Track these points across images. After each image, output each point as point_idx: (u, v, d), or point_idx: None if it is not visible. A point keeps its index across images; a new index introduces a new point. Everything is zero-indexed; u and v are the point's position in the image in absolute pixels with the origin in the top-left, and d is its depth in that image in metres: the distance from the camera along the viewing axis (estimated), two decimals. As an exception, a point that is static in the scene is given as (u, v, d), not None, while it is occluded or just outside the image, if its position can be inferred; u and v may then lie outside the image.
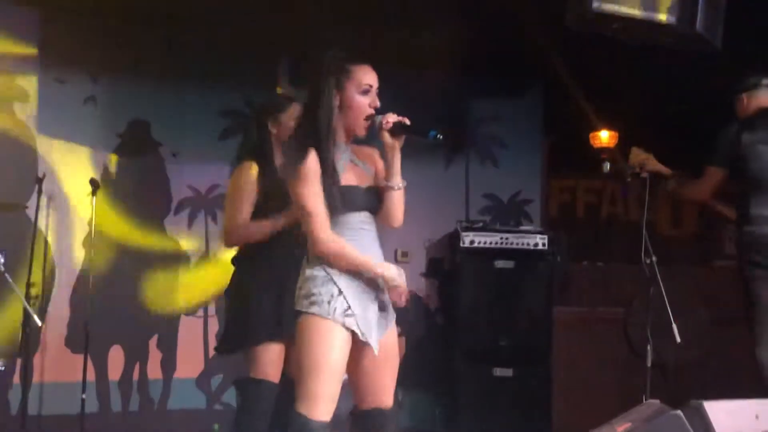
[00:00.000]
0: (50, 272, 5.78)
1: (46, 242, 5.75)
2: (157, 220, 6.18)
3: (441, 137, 3.42)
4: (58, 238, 5.81)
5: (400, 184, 3.44)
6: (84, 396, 5.30)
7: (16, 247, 5.26)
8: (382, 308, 3.43)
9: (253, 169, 4.15)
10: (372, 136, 3.45)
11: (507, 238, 5.94)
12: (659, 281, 5.09)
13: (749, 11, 5.46)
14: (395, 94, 6.75)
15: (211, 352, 6.19)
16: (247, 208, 4.13)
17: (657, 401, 4.16)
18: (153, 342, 6.08)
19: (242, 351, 4.05)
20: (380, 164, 3.51)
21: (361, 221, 3.41)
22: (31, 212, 5.33)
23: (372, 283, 3.39)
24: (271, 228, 4.11)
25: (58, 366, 5.72)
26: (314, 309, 3.31)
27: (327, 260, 3.31)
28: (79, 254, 5.82)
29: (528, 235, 5.97)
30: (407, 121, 3.46)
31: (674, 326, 4.95)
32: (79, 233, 5.81)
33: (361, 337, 3.34)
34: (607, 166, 5.54)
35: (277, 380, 4.05)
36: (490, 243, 5.93)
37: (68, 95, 5.92)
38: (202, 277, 6.23)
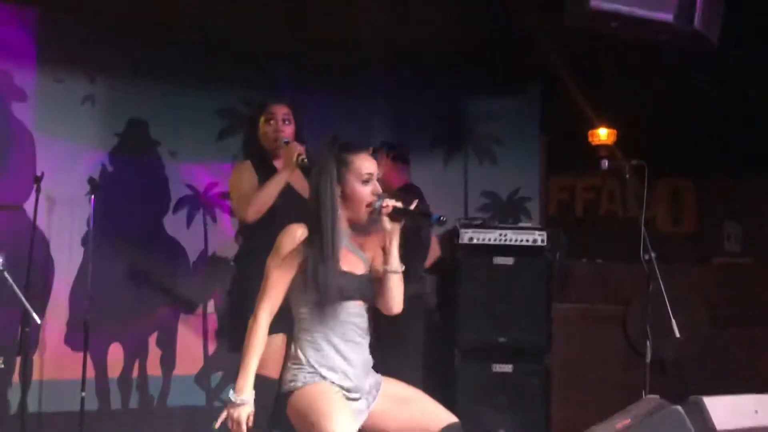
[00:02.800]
0: (49, 271, 5.79)
1: (45, 241, 5.75)
2: (155, 218, 6.18)
3: (445, 219, 3.40)
4: (57, 236, 5.81)
5: (399, 268, 3.38)
6: (83, 394, 5.30)
7: (15, 246, 5.26)
8: (367, 393, 3.44)
9: (248, 167, 4.34)
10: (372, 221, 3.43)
11: (506, 235, 5.94)
12: (658, 278, 5.09)
13: (747, 8, 5.46)
14: (394, 91, 6.82)
15: (211, 350, 6.20)
16: (251, 180, 4.36)
17: (656, 397, 4.17)
18: (152, 339, 6.08)
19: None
20: (373, 251, 3.49)
21: (351, 313, 3.39)
22: (30, 211, 5.33)
23: (361, 369, 3.42)
24: (275, 187, 4.28)
25: (58, 364, 5.72)
26: (294, 387, 3.35)
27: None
28: (78, 253, 5.82)
29: (527, 232, 5.98)
30: (407, 207, 3.40)
31: (673, 322, 4.95)
32: (78, 232, 5.81)
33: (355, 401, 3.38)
34: (605, 163, 5.54)
35: (276, 376, 4.06)
36: (489, 240, 5.93)
37: (66, 94, 5.92)
38: (201, 275, 6.23)
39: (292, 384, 3.37)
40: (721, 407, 3.76)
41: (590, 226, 7.97)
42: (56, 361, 5.73)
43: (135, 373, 6.01)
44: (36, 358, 5.67)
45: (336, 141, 3.45)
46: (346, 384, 3.37)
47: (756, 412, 3.86)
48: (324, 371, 3.35)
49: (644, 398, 4.44)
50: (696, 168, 7.85)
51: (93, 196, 5.42)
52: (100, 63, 5.98)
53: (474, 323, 5.87)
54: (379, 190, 3.41)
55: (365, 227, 3.47)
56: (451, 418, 3.50)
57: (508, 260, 5.92)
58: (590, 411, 4.59)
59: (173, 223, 6.21)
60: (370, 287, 3.43)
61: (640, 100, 6.88)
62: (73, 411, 5.31)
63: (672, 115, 7.12)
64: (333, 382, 3.35)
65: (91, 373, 5.68)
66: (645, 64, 6.33)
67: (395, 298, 3.42)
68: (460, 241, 5.89)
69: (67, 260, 5.83)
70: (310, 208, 3.40)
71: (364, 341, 3.45)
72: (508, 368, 5.85)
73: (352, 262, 3.43)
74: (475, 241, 5.91)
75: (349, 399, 3.38)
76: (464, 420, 5.77)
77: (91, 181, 5.48)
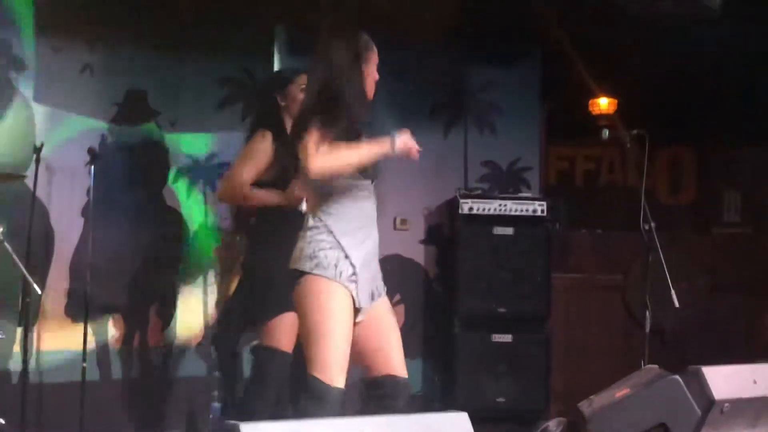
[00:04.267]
0: (50, 241, 5.78)
1: (45, 211, 5.74)
2: (155, 188, 6.17)
3: None
4: (57, 207, 5.80)
5: None
6: (85, 364, 5.31)
7: (15, 217, 5.26)
8: (375, 280, 3.49)
9: (267, 137, 4.19)
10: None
11: (505, 205, 5.95)
12: (658, 248, 5.10)
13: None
14: (392, 62, 6.78)
15: (211, 320, 6.21)
16: (251, 170, 4.17)
17: (655, 366, 4.19)
18: (153, 310, 6.09)
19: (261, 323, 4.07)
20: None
21: (367, 190, 3.52)
22: (29, 181, 5.32)
23: (372, 250, 3.46)
24: (263, 199, 4.14)
25: (59, 334, 5.73)
26: (320, 271, 3.34)
27: (326, 176, 3.37)
28: (78, 223, 5.81)
29: (526, 202, 5.98)
30: None
31: (673, 292, 4.96)
32: (78, 202, 5.80)
33: (357, 305, 3.37)
34: (606, 133, 5.53)
35: (290, 350, 4.06)
36: (489, 210, 5.93)
37: (64, 64, 5.88)
38: (202, 245, 6.23)
39: (311, 263, 3.37)
40: (719, 377, 3.77)
41: (590, 195, 7.96)
42: (57, 331, 5.74)
43: (136, 343, 6.03)
44: (37, 328, 5.68)
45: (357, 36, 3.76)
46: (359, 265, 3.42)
47: (755, 382, 3.88)
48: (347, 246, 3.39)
49: (643, 368, 4.45)
50: (696, 138, 7.83)
51: (93, 166, 5.40)
52: (99, 32, 5.94)
53: (474, 293, 5.89)
54: (377, 75, 3.78)
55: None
56: (400, 370, 3.49)
57: (508, 230, 5.93)
58: (589, 380, 4.61)
59: (173, 194, 6.20)
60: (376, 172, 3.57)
61: (641, 69, 6.85)
62: (75, 381, 5.33)
63: (672, 84, 7.09)
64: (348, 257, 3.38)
65: (92, 343, 5.69)
66: (646, 33, 6.30)
67: None
68: (460, 212, 5.89)
69: (67, 230, 5.82)
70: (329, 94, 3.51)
71: (375, 221, 3.58)
72: (507, 338, 5.88)
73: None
74: (475, 211, 5.91)
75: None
76: (464, 389, 5.84)
77: (90, 151, 5.46)
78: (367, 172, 3.49)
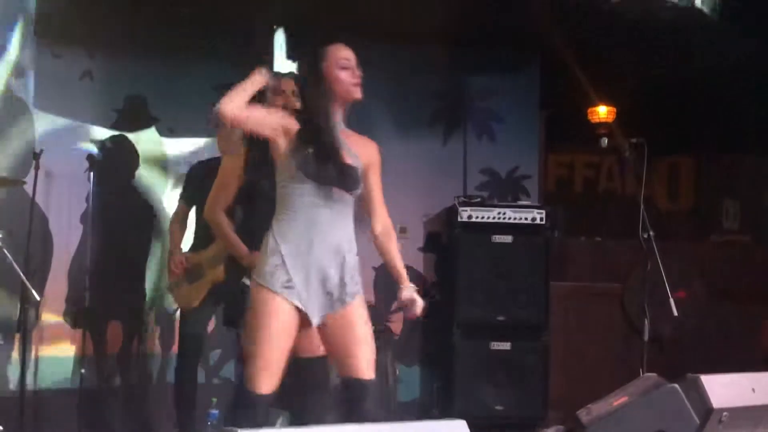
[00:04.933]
0: (48, 247, 5.78)
1: (44, 217, 5.74)
2: (154, 195, 6.18)
3: None
4: (56, 213, 5.80)
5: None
6: (83, 370, 5.31)
7: (14, 223, 5.26)
8: (328, 286, 3.47)
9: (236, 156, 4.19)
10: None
11: (504, 213, 5.94)
12: (656, 256, 5.10)
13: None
14: (392, 69, 6.79)
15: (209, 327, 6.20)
16: (220, 199, 4.20)
17: (654, 375, 4.18)
18: (151, 316, 6.09)
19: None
20: (366, 157, 3.61)
21: (321, 197, 3.45)
22: (28, 187, 5.32)
23: (327, 256, 3.45)
24: (228, 240, 4.17)
25: (57, 340, 5.73)
26: (260, 278, 3.42)
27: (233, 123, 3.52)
28: (77, 229, 5.81)
29: (525, 209, 5.98)
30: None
31: (671, 300, 4.96)
32: (77, 208, 5.80)
33: (301, 308, 3.41)
34: (604, 141, 5.53)
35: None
36: (488, 218, 5.93)
37: (64, 70, 5.89)
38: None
39: (256, 270, 3.47)
40: (718, 385, 3.77)
41: (589, 203, 7.98)
42: (55, 337, 5.74)
43: (134, 350, 6.03)
44: (35, 334, 5.68)
45: (311, 47, 3.70)
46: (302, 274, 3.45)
47: (753, 390, 3.88)
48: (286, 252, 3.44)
49: (642, 376, 4.45)
50: (695, 146, 7.84)
51: (92, 173, 5.41)
52: (99, 39, 5.95)
53: (472, 301, 5.88)
54: (358, 75, 3.62)
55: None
56: (366, 373, 3.51)
57: (507, 238, 5.92)
58: (588, 388, 4.60)
59: (172, 199, 6.20)
60: (353, 178, 3.52)
61: (640, 77, 6.87)
62: (73, 387, 5.33)
63: (671, 93, 7.11)
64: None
65: (90, 349, 5.69)
66: (645, 41, 6.31)
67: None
68: (458, 219, 5.89)
69: (65, 236, 5.83)
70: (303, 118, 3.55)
71: (336, 229, 3.51)
72: (506, 346, 5.87)
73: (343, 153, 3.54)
74: (473, 219, 5.91)
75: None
76: (462, 396, 5.83)
77: (89, 157, 5.47)
78: (317, 176, 3.45)
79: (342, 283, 3.49)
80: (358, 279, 3.55)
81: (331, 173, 3.44)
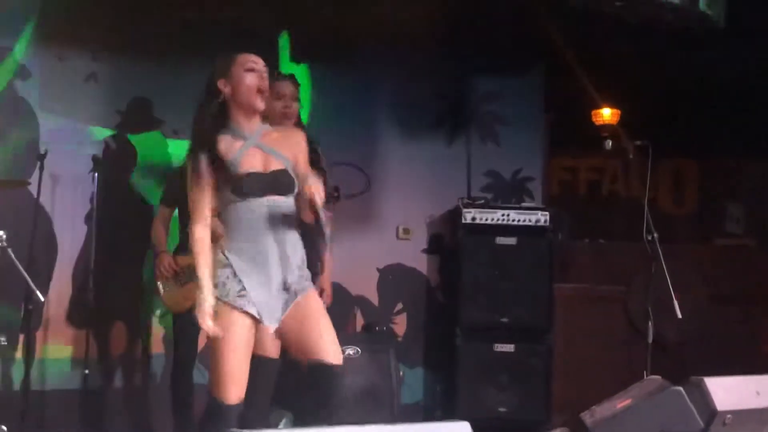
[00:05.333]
0: (52, 248, 5.79)
1: (48, 218, 5.75)
2: (158, 197, 6.18)
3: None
4: (60, 214, 5.81)
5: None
6: (87, 371, 5.31)
7: (18, 223, 5.27)
8: (285, 287, 3.54)
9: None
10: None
11: (508, 215, 5.95)
12: (660, 258, 5.10)
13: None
14: (396, 72, 6.79)
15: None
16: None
17: (658, 377, 4.18)
18: (155, 318, 6.09)
19: None
20: (289, 147, 3.66)
21: (264, 207, 3.54)
22: (33, 188, 5.33)
23: (275, 260, 3.52)
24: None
25: (61, 341, 5.74)
26: (217, 292, 3.51)
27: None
28: (81, 230, 5.82)
29: (529, 212, 5.98)
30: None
31: (675, 302, 4.96)
32: (81, 209, 5.81)
33: (255, 314, 3.49)
34: (608, 143, 5.53)
35: (276, 356, 4.08)
36: (492, 220, 5.94)
37: (69, 72, 5.90)
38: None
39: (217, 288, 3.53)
40: (722, 388, 3.76)
41: (593, 206, 7.97)
42: (59, 338, 5.75)
43: (138, 351, 6.03)
44: (39, 335, 5.68)
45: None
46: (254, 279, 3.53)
47: (757, 393, 3.87)
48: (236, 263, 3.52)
49: (645, 379, 4.45)
50: (699, 148, 7.83)
51: (96, 174, 5.42)
52: (103, 40, 5.96)
53: (476, 303, 5.89)
54: (266, 83, 3.65)
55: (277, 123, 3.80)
56: (330, 357, 3.54)
57: (511, 240, 5.93)
58: (591, 391, 4.60)
59: (176, 202, 6.20)
60: (286, 181, 3.58)
61: (644, 80, 6.86)
62: (76, 388, 5.33)
63: (675, 95, 7.10)
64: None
65: (94, 351, 5.70)
66: (649, 44, 6.31)
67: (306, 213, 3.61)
68: (462, 221, 5.89)
69: (70, 238, 5.83)
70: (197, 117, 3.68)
71: (282, 233, 3.57)
72: (509, 348, 5.87)
73: (264, 159, 3.60)
74: (477, 221, 5.92)
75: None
76: (466, 399, 5.83)
77: (94, 158, 5.48)
78: (251, 193, 3.54)
79: (291, 282, 3.56)
80: (308, 274, 3.66)
81: (263, 184, 3.54)
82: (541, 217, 5.97)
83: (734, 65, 6.70)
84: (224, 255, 3.54)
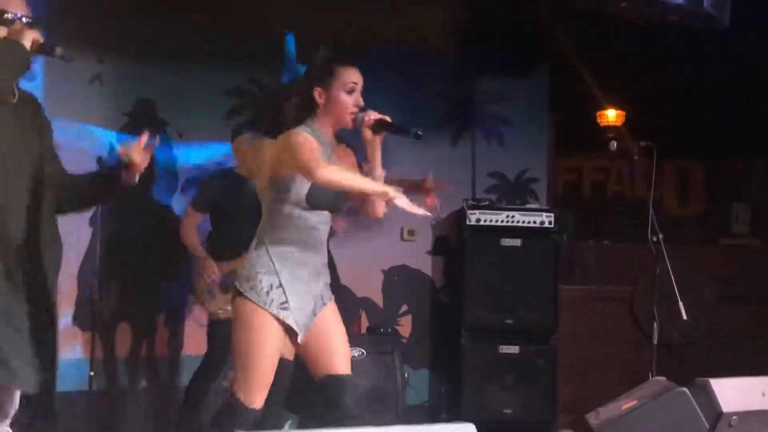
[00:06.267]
0: (58, 250, 5.79)
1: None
2: (163, 199, 6.19)
3: (421, 134, 3.58)
4: (65, 216, 5.81)
5: (381, 174, 3.58)
6: (92, 373, 5.32)
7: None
8: (315, 304, 3.58)
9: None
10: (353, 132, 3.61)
11: (513, 216, 5.94)
12: (666, 259, 5.09)
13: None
14: (401, 73, 6.79)
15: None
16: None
17: (663, 378, 4.17)
18: (160, 319, 6.10)
19: None
20: (347, 162, 3.66)
21: (317, 221, 3.56)
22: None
23: (313, 273, 3.55)
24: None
25: (66, 343, 5.74)
26: (252, 295, 3.48)
27: (330, 186, 3.40)
28: (86, 232, 5.83)
29: (534, 213, 5.98)
30: (388, 119, 3.58)
31: (680, 304, 4.95)
32: (86, 211, 5.81)
33: (295, 328, 3.50)
34: (613, 144, 5.53)
35: (291, 357, 4.08)
36: (496, 221, 5.93)
37: (74, 74, 5.91)
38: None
39: (246, 285, 3.50)
40: (727, 389, 3.75)
41: (598, 207, 7.97)
42: (65, 340, 5.75)
43: (143, 352, 6.04)
44: (45, 337, 5.68)
45: (324, 51, 3.68)
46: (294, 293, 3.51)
47: (763, 394, 3.86)
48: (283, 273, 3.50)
49: (651, 380, 4.44)
50: (704, 149, 7.83)
51: (101, 176, 5.42)
52: (109, 42, 5.97)
53: (481, 304, 5.88)
54: (361, 102, 3.59)
55: (345, 138, 3.69)
56: (342, 369, 3.58)
57: (516, 241, 5.92)
58: (596, 392, 4.60)
59: (181, 203, 6.21)
60: (340, 200, 3.61)
61: (649, 81, 6.86)
62: (82, 390, 5.34)
63: (680, 96, 7.10)
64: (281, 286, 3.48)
65: (99, 352, 5.70)
66: (654, 45, 6.31)
67: (378, 205, 3.63)
68: (467, 223, 5.89)
69: (75, 240, 5.84)
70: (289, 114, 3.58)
71: (322, 247, 3.61)
72: (514, 349, 5.87)
73: None
74: (482, 222, 5.91)
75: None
76: (471, 400, 5.83)
77: (99, 160, 5.49)
78: (319, 205, 3.53)
79: (320, 295, 3.61)
80: (329, 289, 3.68)
81: (329, 199, 3.54)
82: (546, 219, 5.96)
83: (739, 66, 6.69)
84: (271, 260, 3.50)
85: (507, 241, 5.92)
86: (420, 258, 6.60)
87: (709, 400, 3.70)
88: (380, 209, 3.63)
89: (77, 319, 5.79)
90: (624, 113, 7.07)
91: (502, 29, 6.40)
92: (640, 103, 6.65)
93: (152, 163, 6.10)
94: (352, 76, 3.62)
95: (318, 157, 3.41)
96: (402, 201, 3.32)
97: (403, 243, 6.60)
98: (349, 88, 3.59)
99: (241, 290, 3.50)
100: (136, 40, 6.03)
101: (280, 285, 3.48)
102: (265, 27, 6.19)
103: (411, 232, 6.62)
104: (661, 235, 5.12)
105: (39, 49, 3.17)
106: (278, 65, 6.35)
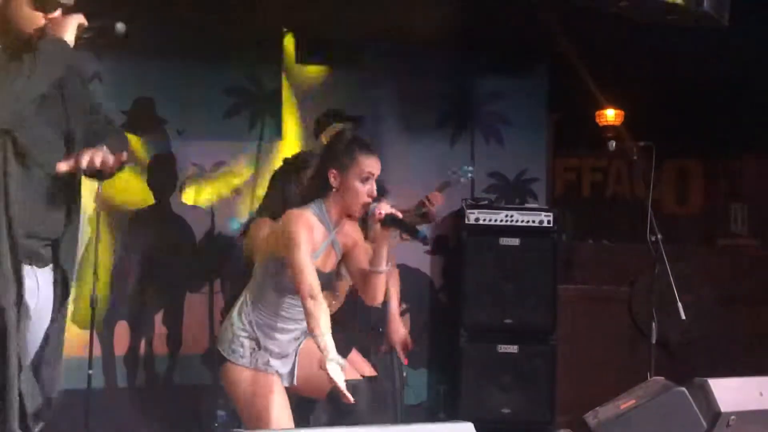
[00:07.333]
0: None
1: (51, 219, 5.75)
2: (162, 197, 6.18)
3: (426, 237, 3.67)
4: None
5: (385, 269, 3.59)
6: (90, 371, 5.32)
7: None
8: (294, 353, 3.63)
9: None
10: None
11: (512, 216, 5.94)
12: (664, 259, 5.09)
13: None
14: (400, 70, 6.79)
15: (217, 329, 6.21)
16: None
17: (661, 378, 4.17)
18: (158, 318, 6.09)
19: None
20: (350, 241, 3.66)
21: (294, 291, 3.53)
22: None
23: (293, 339, 3.59)
24: None
25: (65, 342, 5.73)
26: (236, 359, 3.53)
27: (307, 314, 3.38)
28: (84, 231, 5.82)
29: (533, 212, 5.98)
30: (399, 215, 3.56)
31: (679, 303, 4.96)
32: (85, 210, 5.81)
33: (281, 382, 3.56)
34: (612, 144, 5.53)
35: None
36: (495, 221, 5.94)
37: (73, 72, 5.90)
38: (207, 253, 6.23)
39: (229, 348, 3.55)
40: (726, 389, 3.75)
41: (597, 207, 7.96)
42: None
43: (141, 351, 6.03)
44: (43, 335, 5.68)
45: (346, 133, 3.68)
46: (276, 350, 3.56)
47: (761, 394, 3.86)
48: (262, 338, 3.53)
49: (649, 379, 4.44)
50: (703, 149, 7.83)
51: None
52: (107, 40, 5.95)
53: (480, 304, 5.88)
54: (375, 192, 3.56)
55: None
56: (348, 374, 3.58)
57: (515, 241, 5.92)
58: (595, 392, 4.59)
59: (179, 202, 6.21)
60: (330, 282, 3.68)
61: (648, 80, 6.86)
62: (80, 388, 5.33)
63: (679, 96, 7.09)
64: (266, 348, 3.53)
65: (97, 350, 5.70)
66: (653, 44, 6.31)
67: (379, 293, 3.64)
68: (466, 222, 5.89)
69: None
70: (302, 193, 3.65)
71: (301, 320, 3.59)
72: (513, 349, 5.87)
73: (328, 258, 3.61)
74: (481, 221, 5.92)
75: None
76: (469, 399, 5.83)
77: (97, 159, 5.47)
78: (325, 288, 3.55)
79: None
80: None
81: (321, 283, 3.50)
82: (545, 218, 5.97)
83: (738, 65, 6.69)
84: (252, 327, 3.54)
85: (506, 241, 5.93)
86: (419, 257, 6.60)
87: (707, 400, 3.70)
88: (380, 296, 3.64)
89: (76, 318, 5.78)
90: (623, 113, 7.06)
91: (501, 28, 6.39)
92: (639, 103, 6.64)
93: (151, 160, 6.14)
94: (371, 166, 3.56)
95: (306, 244, 3.39)
96: (333, 368, 3.30)
97: (401, 242, 6.60)
98: (365, 176, 3.53)
99: (224, 354, 3.55)
100: (135, 38, 5.99)
101: (258, 347, 3.53)
102: (264, 25, 6.19)
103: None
104: (659, 235, 5.12)
105: (93, 32, 2.99)
106: (277, 64, 6.36)
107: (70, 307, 5.70)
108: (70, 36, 2.87)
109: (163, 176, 6.18)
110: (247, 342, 3.52)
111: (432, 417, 6.13)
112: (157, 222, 6.13)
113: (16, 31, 2.80)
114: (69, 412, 5.41)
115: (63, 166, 2.78)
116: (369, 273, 3.59)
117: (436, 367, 6.43)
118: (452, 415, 5.70)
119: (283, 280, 3.49)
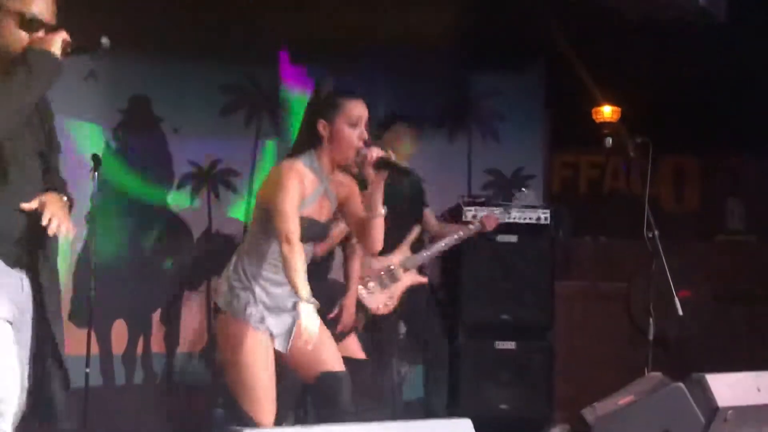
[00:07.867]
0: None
1: (48, 217, 5.74)
2: (159, 195, 6.18)
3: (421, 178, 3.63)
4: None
5: (381, 213, 3.55)
6: (88, 370, 5.32)
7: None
8: (291, 317, 3.52)
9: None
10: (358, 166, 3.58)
11: (509, 213, 5.94)
12: (661, 255, 5.09)
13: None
14: (397, 68, 6.79)
15: (214, 327, 6.20)
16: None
17: (659, 374, 4.18)
18: (156, 316, 6.09)
19: None
20: (345, 191, 3.63)
21: (304, 249, 3.49)
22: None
23: (290, 293, 3.47)
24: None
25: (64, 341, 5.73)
26: (232, 311, 3.47)
27: (283, 258, 3.37)
28: (81, 229, 5.82)
29: (530, 209, 5.98)
30: (392, 157, 3.57)
31: (676, 299, 4.96)
32: (81, 208, 5.81)
33: (274, 345, 3.48)
34: (609, 140, 5.52)
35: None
36: (493, 217, 5.92)
37: (69, 70, 5.87)
38: (205, 251, 6.24)
39: (223, 300, 3.51)
40: (723, 385, 3.76)
41: (594, 203, 7.97)
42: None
43: (139, 349, 6.03)
44: (40, 334, 5.68)
45: (328, 82, 3.62)
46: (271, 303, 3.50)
47: (758, 389, 3.87)
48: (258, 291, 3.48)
49: (647, 375, 4.45)
50: (700, 146, 7.83)
51: (96, 173, 5.42)
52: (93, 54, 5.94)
53: (477, 301, 5.88)
54: (365, 135, 3.53)
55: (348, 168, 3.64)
56: (334, 366, 3.59)
57: (512, 238, 5.92)
58: (592, 388, 4.60)
59: (176, 200, 6.21)
60: (326, 231, 3.65)
61: (645, 77, 6.86)
62: (78, 387, 5.33)
63: (676, 92, 7.09)
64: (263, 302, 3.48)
65: (95, 349, 5.70)
66: (649, 41, 6.31)
67: (378, 240, 3.60)
68: (463, 219, 5.89)
69: (70, 237, 5.82)
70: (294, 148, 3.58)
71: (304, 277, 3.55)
72: (511, 345, 5.87)
73: (322, 208, 3.57)
74: (478, 218, 5.91)
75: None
76: (467, 396, 5.83)
77: (94, 157, 5.48)
78: (317, 237, 3.58)
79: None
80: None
81: (316, 233, 3.54)
82: (542, 215, 5.96)
83: (735, 61, 6.69)
84: (248, 278, 3.49)
85: (503, 238, 5.92)
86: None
87: (704, 396, 3.70)
88: (379, 242, 3.60)
89: (73, 317, 5.78)
90: (620, 109, 7.06)
91: (498, 25, 6.39)
92: (635, 99, 6.65)
93: (147, 158, 6.14)
94: (357, 110, 3.54)
95: (293, 191, 3.39)
96: (305, 308, 3.29)
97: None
98: (354, 121, 3.52)
99: (221, 306, 3.51)
100: (131, 36, 6.00)
101: (257, 302, 3.47)
102: (260, 24, 6.19)
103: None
104: (656, 232, 5.12)
105: (78, 49, 3.02)
106: (274, 62, 6.36)
107: (68, 307, 5.76)
108: (56, 52, 2.93)
109: (160, 174, 6.19)
110: (242, 294, 3.47)
111: (430, 413, 6.12)
112: (154, 220, 6.13)
113: (3, 51, 2.83)
114: (66, 411, 5.42)
115: (25, 207, 2.81)
116: (366, 219, 3.56)
117: (433, 363, 6.42)
118: (450, 411, 5.70)
119: (270, 226, 3.47)
